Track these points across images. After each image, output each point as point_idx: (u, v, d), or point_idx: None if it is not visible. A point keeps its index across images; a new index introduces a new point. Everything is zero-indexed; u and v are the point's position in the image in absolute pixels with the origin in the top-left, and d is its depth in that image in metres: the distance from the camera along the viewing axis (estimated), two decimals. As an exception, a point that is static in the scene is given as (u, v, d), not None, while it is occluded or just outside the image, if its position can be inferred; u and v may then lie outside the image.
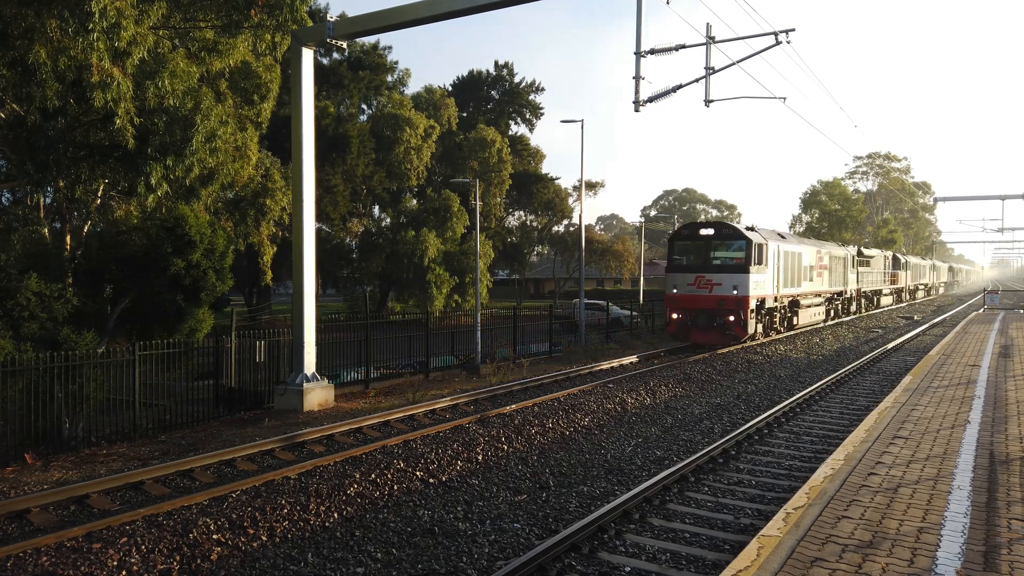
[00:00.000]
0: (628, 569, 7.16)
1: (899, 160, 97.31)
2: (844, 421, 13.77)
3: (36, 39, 10.98)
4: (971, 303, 60.69)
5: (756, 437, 12.48)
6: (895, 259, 52.41)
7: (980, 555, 5.76)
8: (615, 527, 8.15)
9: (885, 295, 48.53)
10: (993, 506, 6.95)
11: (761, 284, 23.89)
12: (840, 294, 35.77)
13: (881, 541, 6.05)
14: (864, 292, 42.19)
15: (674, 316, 24.32)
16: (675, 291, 24.16)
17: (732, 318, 23.05)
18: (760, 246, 23.70)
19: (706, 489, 9.73)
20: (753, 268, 23.09)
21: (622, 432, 12.92)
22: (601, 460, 11.17)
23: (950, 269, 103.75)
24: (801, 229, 79.02)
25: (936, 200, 50.38)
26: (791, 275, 27.32)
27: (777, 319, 26.70)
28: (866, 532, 6.26)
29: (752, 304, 23.21)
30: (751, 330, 23.33)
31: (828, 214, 79.93)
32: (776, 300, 25.99)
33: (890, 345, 26.35)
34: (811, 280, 30.26)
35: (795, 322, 28.75)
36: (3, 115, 13.32)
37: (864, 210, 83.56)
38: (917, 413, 11.50)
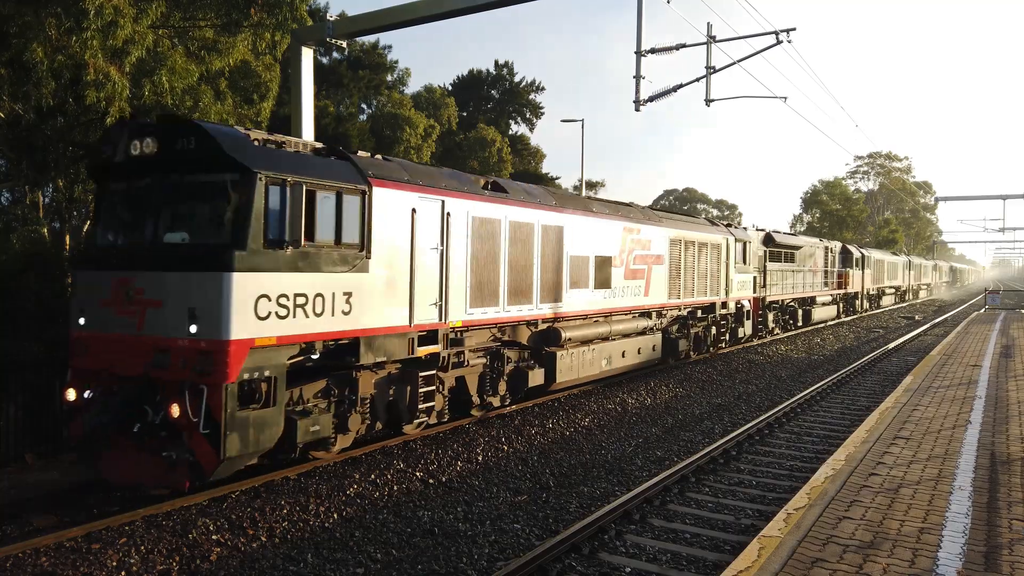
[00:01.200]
0: (628, 570, 7.14)
1: (900, 160, 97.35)
2: (845, 421, 13.74)
3: (34, 37, 10.96)
4: (968, 305, 60.64)
5: (757, 437, 12.45)
6: (845, 253, 37.47)
7: (981, 555, 5.74)
8: (615, 527, 8.13)
9: (823, 305, 33.05)
10: (994, 506, 6.93)
11: (314, 301, 8.83)
12: (708, 309, 21.12)
13: (882, 542, 6.03)
14: (781, 302, 28.05)
15: (70, 395, 8.68)
16: (81, 322, 8.87)
17: (176, 409, 7.83)
18: (294, 189, 8.38)
19: (707, 489, 9.71)
20: (245, 256, 7.95)
21: (622, 432, 12.89)
22: (601, 460, 11.15)
23: (935, 267, 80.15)
24: (802, 229, 78.99)
25: (937, 200, 50.44)
26: (531, 275, 13.02)
27: (469, 382, 12.25)
28: (867, 532, 6.24)
29: (246, 369, 8.02)
30: (227, 448, 7.91)
31: (829, 214, 79.96)
32: (449, 337, 11.29)
33: (891, 345, 26.33)
34: (607, 287, 15.56)
35: (538, 381, 13.52)
36: (1, 115, 13.30)
37: (865, 210, 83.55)
38: (918, 413, 11.48)
